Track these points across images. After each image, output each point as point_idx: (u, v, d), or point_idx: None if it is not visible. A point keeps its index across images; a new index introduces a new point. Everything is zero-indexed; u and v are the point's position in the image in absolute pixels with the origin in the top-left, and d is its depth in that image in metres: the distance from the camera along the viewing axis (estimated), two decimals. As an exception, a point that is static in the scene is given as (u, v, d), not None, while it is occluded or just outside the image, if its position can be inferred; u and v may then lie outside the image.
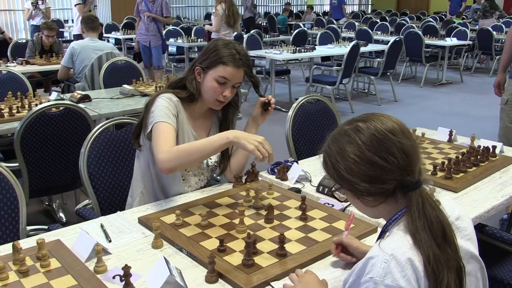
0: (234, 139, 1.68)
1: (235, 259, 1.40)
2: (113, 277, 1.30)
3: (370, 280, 0.94)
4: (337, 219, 1.67)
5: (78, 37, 6.12)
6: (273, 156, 1.68)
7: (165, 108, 1.81)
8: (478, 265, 1.09)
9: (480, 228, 1.92)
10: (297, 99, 2.86)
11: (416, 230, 0.95)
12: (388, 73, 7.38)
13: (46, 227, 1.78)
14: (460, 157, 2.23)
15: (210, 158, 1.98)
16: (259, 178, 2.07)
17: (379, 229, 1.31)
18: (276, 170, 2.14)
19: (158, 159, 1.68)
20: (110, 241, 1.53)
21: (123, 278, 1.26)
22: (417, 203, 0.97)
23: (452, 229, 0.98)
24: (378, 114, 1.05)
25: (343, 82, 6.57)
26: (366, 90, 7.99)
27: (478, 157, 2.27)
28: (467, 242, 1.05)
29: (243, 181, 2.02)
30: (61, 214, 3.43)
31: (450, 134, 2.65)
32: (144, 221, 1.65)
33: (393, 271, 0.91)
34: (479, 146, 2.37)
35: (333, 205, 1.79)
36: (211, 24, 6.93)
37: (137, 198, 1.96)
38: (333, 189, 1.14)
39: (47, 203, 3.61)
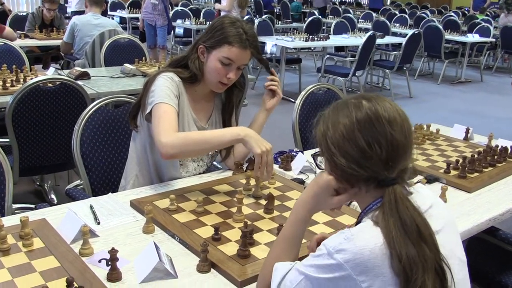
0: (244, 137, 1.66)
1: (230, 249, 1.38)
2: (99, 261, 1.29)
3: (323, 246, 0.97)
4: (341, 213, 1.65)
5: (76, 14, 6.09)
6: (271, 171, 1.69)
7: (167, 89, 1.78)
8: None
9: (493, 232, 1.89)
10: (307, 89, 2.82)
11: (387, 226, 0.95)
12: (405, 68, 7.32)
13: (33, 206, 1.76)
14: (476, 156, 2.19)
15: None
16: (261, 167, 2.04)
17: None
18: (279, 160, 2.12)
19: (161, 142, 1.64)
20: (98, 223, 1.52)
21: (109, 263, 1.24)
22: (389, 200, 0.98)
23: (430, 229, 0.98)
24: (387, 100, 1.05)
25: (356, 74, 6.52)
26: (380, 84, 7.94)
27: (495, 157, 2.23)
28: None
29: (244, 168, 2.00)
30: (53, 196, 3.43)
31: (467, 132, 2.61)
32: (136, 205, 1.64)
33: (348, 251, 0.92)
34: (497, 146, 2.33)
35: (337, 199, 1.77)
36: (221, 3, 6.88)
37: (131, 182, 1.94)
38: (317, 153, 1.15)
39: (38, 184, 3.60)
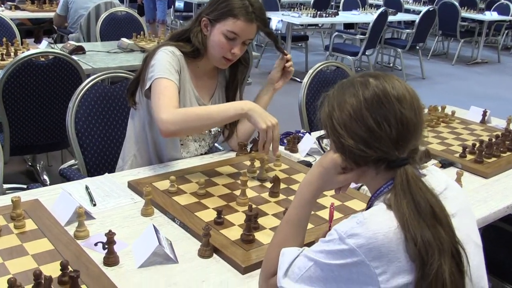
0: (248, 112, 1.64)
1: (233, 233, 1.38)
2: (95, 244, 1.28)
3: (333, 231, 0.96)
4: (351, 198, 1.64)
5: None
6: (277, 148, 1.69)
7: (167, 63, 1.75)
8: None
9: (510, 220, 1.88)
10: (315, 68, 2.80)
11: (400, 209, 0.95)
12: (417, 47, 7.26)
13: (25, 186, 1.75)
14: (494, 140, 2.17)
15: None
16: (266, 148, 2.04)
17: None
18: (285, 141, 2.11)
19: (161, 119, 1.62)
20: (94, 204, 1.51)
21: (106, 246, 1.23)
22: (401, 181, 0.98)
23: (445, 210, 0.98)
24: (395, 77, 1.04)
25: (366, 53, 6.47)
26: (391, 64, 7.88)
27: (515, 141, 2.21)
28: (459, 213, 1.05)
29: (248, 149, 1.99)
30: (45, 177, 3.43)
31: (484, 114, 2.59)
32: (134, 186, 1.63)
33: (361, 235, 0.92)
34: (516, 130, 2.30)
35: (347, 183, 1.77)
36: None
37: (129, 162, 1.93)
38: (322, 136, 1.14)
39: (30, 164, 3.60)
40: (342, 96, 1.04)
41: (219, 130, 2.00)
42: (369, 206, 1.07)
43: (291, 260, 1.04)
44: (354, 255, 0.92)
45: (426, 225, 0.94)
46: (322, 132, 1.14)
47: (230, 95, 2.00)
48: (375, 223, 0.93)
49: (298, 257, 1.03)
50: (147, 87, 1.75)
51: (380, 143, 0.99)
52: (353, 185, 1.73)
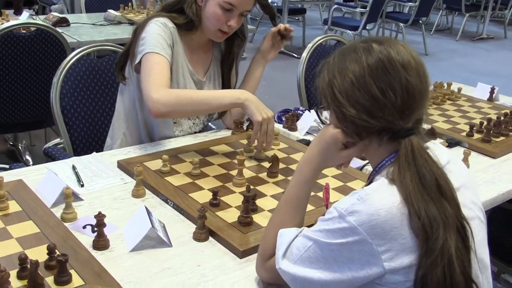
0: (245, 102, 1.65)
1: (230, 215, 1.37)
2: (84, 227, 1.27)
3: (333, 209, 0.96)
4: (353, 179, 1.64)
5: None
6: (271, 142, 1.71)
7: (159, 36, 1.72)
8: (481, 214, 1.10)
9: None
10: (312, 43, 2.77)
11: (403, 181, 0.95)
12: (420, 21, 7.23)
13: (7, 166, 1.73)
14: (502, 118, 2.17)
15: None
16: (263, 126, 2.02)
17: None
18: (284, 119, 2.10)
19: (151, 98, 1.61)
20: (82, 185, 1.50)
21: (95, 229, 1.22)
22: (406, 152, 0.98)
23: (450, 184, 0.98)
24: (400, 42, 1.03)
25: (367, 27, 6.43)
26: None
27: (524, 120, 2.21)
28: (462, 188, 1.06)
29: (244, 127, 1.98)
30: (28, 157, 3.41)
31: (492, 92, 2.58)
32: (124, 165, 1.62)
33: (362, 212, 0.92)
34: (526, 108, 2.30)
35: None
36: None
37: (118, 141, 1.91)
38: (321, 107, 1.14)
39: (11, 143, 3.57)
40: (343, 62, 1.02)
41: (214, 107, 1.98)
42: (370, 181, 1.06)
43: (290, 240, 1.03)
44: (355, 233, 0.92)
45: (431, 198, 0.94)
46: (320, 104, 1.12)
47: (226, 70, 1.98)
48: (377, 199, 0.93)
49: (296, 238, 1.03)
50: (137, 61, 1.72)
51: (384, 112, 0.98)
52: (356, 165, 1.73)
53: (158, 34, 1.73)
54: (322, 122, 1.20)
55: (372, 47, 1.01)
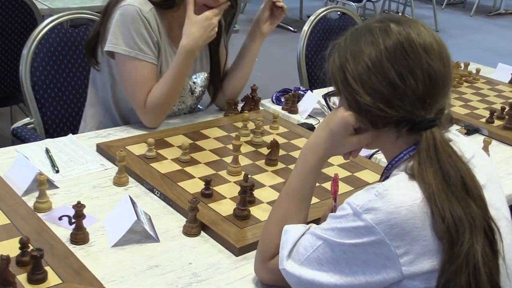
0: (192, 44, 1.71)
1: (225, 207, 1.37)
2: (60, 218, 1.26)
3: (347, 205, 0.96)
4: (362, 168, 1.64)
5: None
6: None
7: (135, 33, 1.70)
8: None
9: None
10: (309, 16, 2.75)
11: (425, 178, 0.94)
12: (431, -7, 7.21)
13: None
14: (526, 103, 2.17)
15: (194, 82, 1.90)
16: (260, 108, 2.03)
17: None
18: (283, 100, 2.09)
19: (140, 117, 1.79)
20: (57, 171, 1.49)
21: (73, 220, 1.21)
22: (428, 146, 0.97)
23: (476, 181, 0.97)
24: (420, 22, 1.03)
25: (372, -1, 6.41)
26: (400, 13, 7.84)
27: (550, 105, 2.21)
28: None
29: (239, 108, 1.97)
30: (-9, 138, 3.37)
31: (514, 73, 2.59)
32: (104, 149, 1.61)
33: (380, 210, 0.91)
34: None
35: (356, 150, 1.76)
36: None
37: (94, 129, 1.89)
38: (330, 93, 1.13)
39: (-27, 122, 3.53)
40: (357, 44, 1.01)
41: (202, 90, 1.96)
42: (385, 177, 1.06)
43: (296, 238, 1.02)
44: (372, 233, 0.91)
45: (456, 198, 0.93)
46: (330, 89, 1.11)
47: (212, 44, 1.93)
48: (397, 195, 0.92)
49: (304, 235, 1.02)
50: (107, 49, 1.72)
51: (404, 101, 0.97)
52: (364, 153, 1.72)
53: (134, 30, 1.70)
54: (330, 109, 1.18)
55: (390, 28, 0.99)
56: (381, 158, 1.71)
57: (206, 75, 1.94)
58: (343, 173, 1.59)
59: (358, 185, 1.53)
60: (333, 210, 1.20)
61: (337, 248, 0.95)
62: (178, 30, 1.80)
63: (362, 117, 1.02)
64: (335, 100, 1.14)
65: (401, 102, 0.97)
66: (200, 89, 1.94)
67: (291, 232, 1.04)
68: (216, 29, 1.73)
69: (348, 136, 1.07)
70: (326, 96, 1.23)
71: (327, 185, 1.50)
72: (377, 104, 0.98)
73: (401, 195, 0.92)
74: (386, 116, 0.99)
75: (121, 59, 1.73)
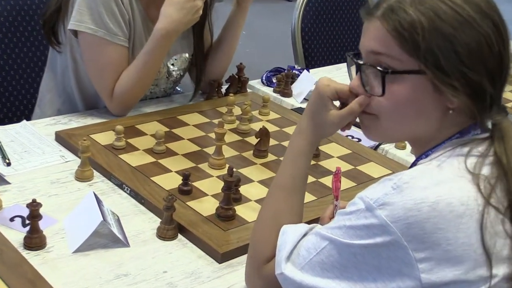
0: (170, 28, 1.70)
1: (206, 206, 1.37)
2: (11, 219, 1.27)
3: (358, 199, 0.95)
4: (366, 161, 1.64)
5: None
6: None
7: (107, 11, 1.69)
8: None
9: None
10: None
11: (479, 170, 0.93)
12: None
13: None
14: None
15: (172, 65, 1.90)
16: (248, 90, 2.03)
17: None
18: (274, 80, 2.09)
19: (107, 105, 1.80)
20: (9, 164, 1.49)
21: (27, 222, 1.21)
22: (501, 137, 0.97)
23: None
24: None
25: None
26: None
27: None
28: None
29: (223, 91, 1.98)
30: None
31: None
32: (65, 138, 1.60)
33: (397, 205, 0.90)
34: None
35: (359, 140, 1.77)
36: None
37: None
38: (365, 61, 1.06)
39: None
40: None
41: (181, 73, 1.96)
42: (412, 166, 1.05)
43: (297, 239, 1.02)
44: (386, 232, 0.90)
45: None
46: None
47: (198, 23, 1.92)
48: (419, 189, 0.91)
49: (306, 236, 1.02)
50: (70, 27, 1.72)
51: (486, 66, 0.96)
52: (369, 143, 1.72)
53: (105, 6, 1.69)
54: (364, 86, 1.11)
55: None
56: (388, 149, 1.72)
57: (187, 57, 1.94)
58: (344, 166, 1.59)
59: (362, 180, 1.54)
60: (335, 209, 1.21)
61: (345, 250, 0.94)
62: (158, 7, 1.80)
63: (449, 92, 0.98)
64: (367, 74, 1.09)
65: (482, 67, 0.96)
66: (178, 72, 1.94)
67: (290, 232, 1.04)
68: (201, 11, 1.71)
69: (328, 112, 1.08)
70: (359, 66, 1.13)
71: (326, 181, 1.51)
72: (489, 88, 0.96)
73: (423, 189, 0.91)
74: (475, 88, 0.96)
75: (86, 39, 1.73)
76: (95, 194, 1.28)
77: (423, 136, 1.03)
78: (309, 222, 1.10)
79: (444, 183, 0.92)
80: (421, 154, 1.04)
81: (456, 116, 0.99)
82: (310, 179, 1.49)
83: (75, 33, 1.74)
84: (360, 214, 0.93)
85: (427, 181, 0.92)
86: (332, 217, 1.22)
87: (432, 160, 0.97)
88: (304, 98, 2.00)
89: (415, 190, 0.91)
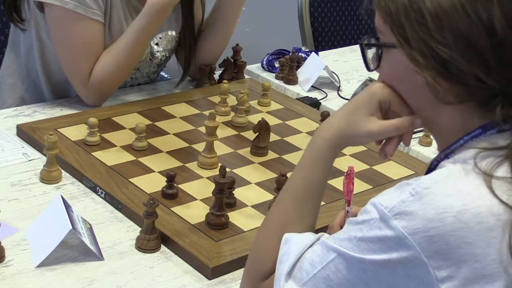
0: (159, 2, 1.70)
1: (194, 212, 1.38)
2: (-36, 228, 1.26)
3: (371, 206, 0.95)
4: (384, 160, 1.62)
5: None
6: None
7: None
8: None
9: None
10: None
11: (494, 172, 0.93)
12: None
13: None
14: None
15: (157, 44, 1.90)
16: (246, 76, 2.03)
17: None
18: (277, 65, 2.09)
19: (80, 93, 1.80)
20: (-38, 162, 1.49)
21: (-17, 231, 1.21)
22: None
23: None
24: None
25: None
26: None
27: None
28: None
29: (216, 77, 1.98)
30: None
31: None
32: (28, 133, 1.60)
33: (417, 215, 0.90)
34: None
35: (377, 135, 1.76)
36: None
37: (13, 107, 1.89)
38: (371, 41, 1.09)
39: None
40: None
41: (166, 55, 1.96)
42: (432, 168, 1.05)
43: (301, 250, 1.02)
44: (404, 246, 0.90)
45: None
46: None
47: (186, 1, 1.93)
48: (442, 195, 0.91)
49: (312, 247, 1.02)
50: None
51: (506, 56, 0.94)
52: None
53: None
54: (367, 66, 1.15)
55: None
56: (411, 146, 1.72)
57: (173, 35, 1.94)
58: (358, 166, 1.59)
59: (379, 182, 1.55)
60: (346, 216, 1.21)
61: (355, 266, 0.95)
62: None
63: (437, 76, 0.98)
64: (374, 53, 1.10)
65: (504, 69, 0.95)
66: (163, 54, 1.94)
67: (294, 242, 1.04)
68: None
69: (369, 116, 1.07)
70: (364, 46, 1.16)
71: (337, 183, 1.51)
72: (472, 69, 0.95)
73: (447, 196, 0.91)
74: (478, 87, 0.96)
75: (54, 13, 1.72)
76: (63, 199, 1.28)
77: (441, 133, 1.05)
78: (316, 232, 1.10)
79: (471, 190, 0.92)
80: (442, 150, 1.04)
81: (473, 112, 0.99)
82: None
83: (40, 6, 1.74)
84: (373, 224, 0.93)
85: (452, 187, 0.92)
86: (343, 225, 1.22)
87: (456, 163, 0.97)
88: (312, 86, 2.00)
89: (438, 197, 0.91)
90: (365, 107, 1.07)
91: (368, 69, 1.07)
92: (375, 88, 1.05)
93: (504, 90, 0.95)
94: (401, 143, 1.10)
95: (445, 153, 1.02)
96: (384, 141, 1.11)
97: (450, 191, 0.92)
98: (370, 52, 1.06)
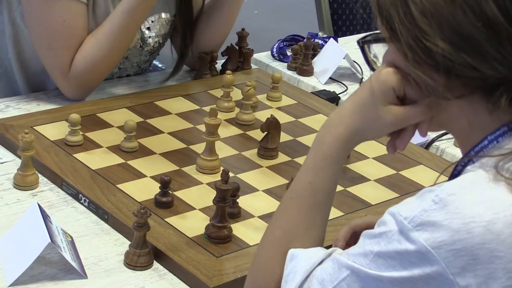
0: None
1: (192, 224, 1.39)
2: None
3: (389, 216, 0.96)
4: (414, 164, 1.65)
5: None
6: None
7: None
8: None
9: None
10: None
11: None
12: None
13: None
14: None
15: (148, 29, 1.91)
16: (253, 66, 2.04)
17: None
18: (289, 53, 2.10)
19: (59, 86, 1.81)
20: None
21: (-51, 243, 1.23)
22: None
23: None
24: None
25: None
26: None
27: None
28: None
29: (218, 68, 2.00)
30: None
31: None
32: (0, 131, 1.61)
33: (441, 226, 0.91)
34: None
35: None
36: None
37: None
38: (370, 38, 1.14)
39: None
40: None
41: (160, 41, 1.97)
42: (456, 174, 1.06)
43: (310, 268, 1.03)
44: (427, 261, 0.92)
45: None
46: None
47: None
48: (469, 203, 0.92)
49: (321, 264, 1.03)
50: None
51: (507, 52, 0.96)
52: (417, 139, 1.73)
53: None
54: (369, 64, 1.18)
55: None
56: (445, 148, 1.72)
57: (168, 18, 1.96)
58: (383, 171, 1.61)
59: (407, 190, 1.55)
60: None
61: (371, 285, 0.96)
62: None
63: (434, 77, 1.00)
64: (379, 48, 1.13)
65: (501, 54, 0.96)
66: (156, 39, 1.96)
67: (301, 258, 1.05)
68: None
69: (387, 105, 1.07)
70: (364, 43, 1.20)
71: (357, 190, 1.53)
72: (462, 57, 0.97)
73: (475, 203, 0.92)
74: (475, 78, 0.98)
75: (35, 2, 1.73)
76: (40, 207, 1.29)
77: (459, 133, 1.07)
78: (329, 247, 1.11)
79: (501, 197, 0.93)
80: (466, 154, 1.05)
81: (493, 109, 1.00)
82: (337, 187, 1.51)
83: None
84: (391, 237, 0.95)
85: (479, 194, 0.93)
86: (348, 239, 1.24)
87: (484, 167, 0.98)
88: (330, 78, 2.01)
89: (464, 205, 0.92)
90: (378, 98, 1.07)
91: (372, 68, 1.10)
92: (386, 74, 1.06)
93: (503, 78, 0.97)
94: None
95: (469, 157, 1.03)
96: (392, 134, 1.12)
97: (478, 198, 0.93)
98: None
